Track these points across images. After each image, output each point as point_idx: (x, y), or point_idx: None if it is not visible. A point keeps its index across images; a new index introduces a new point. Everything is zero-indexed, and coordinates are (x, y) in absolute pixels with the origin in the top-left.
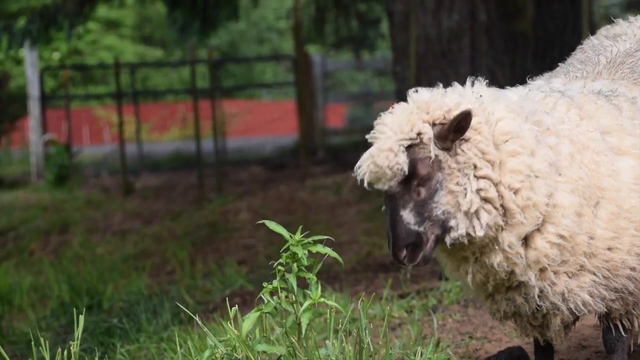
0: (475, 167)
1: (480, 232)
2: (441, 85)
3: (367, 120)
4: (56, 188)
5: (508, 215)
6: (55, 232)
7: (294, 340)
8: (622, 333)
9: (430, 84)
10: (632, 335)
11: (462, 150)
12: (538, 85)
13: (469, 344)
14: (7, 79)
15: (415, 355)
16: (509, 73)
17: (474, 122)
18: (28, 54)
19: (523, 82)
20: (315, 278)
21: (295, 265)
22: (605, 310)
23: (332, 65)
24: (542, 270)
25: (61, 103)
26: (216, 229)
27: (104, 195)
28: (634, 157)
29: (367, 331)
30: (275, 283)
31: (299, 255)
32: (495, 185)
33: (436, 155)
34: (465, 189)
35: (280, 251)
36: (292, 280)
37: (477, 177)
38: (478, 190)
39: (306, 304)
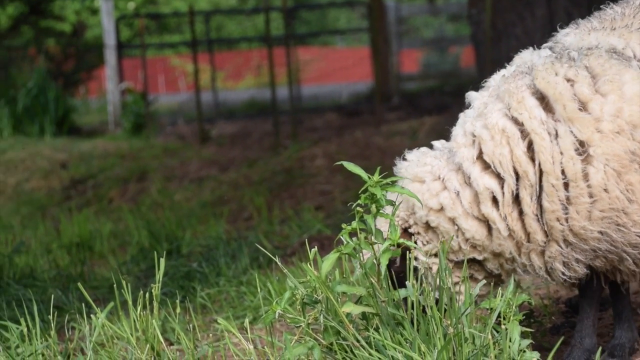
0: None
1: None
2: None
3: (442, 66)
4: (133, 136)
5: None
6: (134, 180)
7: (373, 281)
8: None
9: (506, 27)
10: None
11: None
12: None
13: (549, 286)
14: (84, 28)
15: (495, 296)
16: (587, 14)
17: None
18: (104, 4)
19: None
20: (394, 219)
21: (374, 206)
22: None
23: (406, 11)
24: None
25: (137, 52)
26: (292, 175)
27: (180, 143)
28: None
29: (447, 271)
30: (354, 224)
31: (378, 197)
32: None
33: None
34: None
35: (359, 192)
36: (371, 221)
37: None
38: None
39: (385, 244)
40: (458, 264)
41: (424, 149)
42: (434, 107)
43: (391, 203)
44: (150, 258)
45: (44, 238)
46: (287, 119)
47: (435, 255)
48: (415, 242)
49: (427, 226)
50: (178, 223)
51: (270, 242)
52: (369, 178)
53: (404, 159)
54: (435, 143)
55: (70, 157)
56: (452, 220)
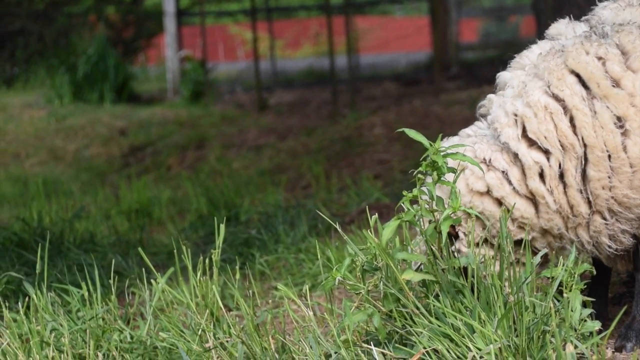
0: None
1: None
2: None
3: (501, 35)
4: (192, 104)
5: None
6: (192, 148)
7: (434, 248)
8: None
9: None
10: None
11: None
12: None
13: None
14: None
15: (556, 265)
16: None
17: None
18: None
19: None
20: (455, 186)
21: (435, 173)
22: None
23: None
24: None
25: (196, 20)
26: (350, 144)
27: (238, 111)
28: None
29: (507, 240)
30: (415, 191)
31: (439, 164)
32: None
33: None
34: None
35: (420, 159)
36: (432, 188)
37: None
38: None
39: (446, 212)
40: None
41: (457, 138)
42: (493, 77)
43: (452, 170)
44: (209, 225)
45: (104, 204)
46: (345, 87)
47: (477, 245)
48: (457, 234)
49: (468, 215)
50: (236, 190)
51: (329, 210)
52: (431, 145)
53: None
54: (467, 130)
55: (129, 124)
56: (499, 201)
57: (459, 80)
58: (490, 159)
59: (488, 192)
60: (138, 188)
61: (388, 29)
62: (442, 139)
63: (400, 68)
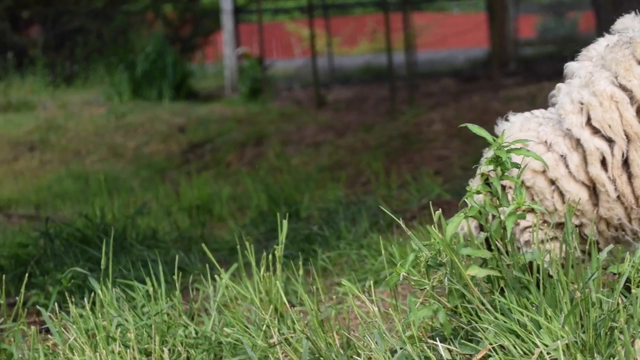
0: None
1: None
2: None
3: (559, 31)
4: (249, 101)
5: None
6: (250, 144)
7: (498, 244)
8: None
9: None
10: None
11: None
12: None
13: None
14: None
15: (623, 261)
16: None
17: None
18: None
19: None
20: (520, 182)
21: (499, 168)
22: None
23: None
24: None
25: (252, 17)
26: (409, 140)
27: (296, 108)
28: None
29: (573, 235)
30: (479, 187)
31: (503, 159)
32: None
33: None
34: None
35: (484, 155)
36: (496, 183)
37: None
38: None
39: (511, 207)
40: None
41: (527, 114)
42: (552, 73)
43: (516, 166)
44: (269, 221)
45: (164, 201)
46: (402, 84)
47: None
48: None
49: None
50: (296, 187)
51: (389, 206)
52: (494, 140)
53: (507, 120)
54: (535, 111)
55: (188, 121)
56: (552, 182)
57: (517, 76)
58: (551, 143)
59: (543, 172)
60: (198, 184)
61: (445, 25)
62: (505, 119)
63: (458, 64)
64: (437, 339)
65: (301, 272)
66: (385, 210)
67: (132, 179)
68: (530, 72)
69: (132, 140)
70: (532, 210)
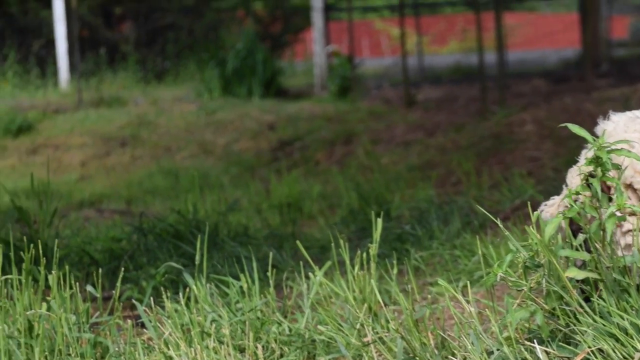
0: None
1: None
2: None
3: None
4: (339, 99)
5: None
6: (340, 143)
7: (598, 247)
8: None
9: None
10: None
11: None
12: None
13: None
14: None
15: None
16: None
17: None
18: None
19: None
20: (620, 183)
21: (599, 169)
22: None
23: None
24: None
25: (342, 15)
26: (501, 141)
27: (386, 107)
28: None
29: None
30: (578, 188)
31: (603, 160)
32: None
33: None
34: None
35: (583, 155)
36: (596, 185)
37: None
38: None
39: (610, 209)
40: None
41: (629, 114)
42: None
43: (617, 167)
44: (360, 220)
45: (255, 198)
46: (493, 84)
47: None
48: None
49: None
50: (386, 186)
51: (481, 207)
52: (594, 140)
53: (609, 119)
54: (636, 112)
55: (277, 118)
56: None
57: (609, 77)
58: None
59: None
60: (288, 182)
61: (535, 25)
62: (606, 119)
63: (549, 65)
64: (534, 341)
65: (395, 270)
66: (482, 210)
67: (222, 176)
68: (623, 73)
69: (222, 137)
70: (634, 213)
